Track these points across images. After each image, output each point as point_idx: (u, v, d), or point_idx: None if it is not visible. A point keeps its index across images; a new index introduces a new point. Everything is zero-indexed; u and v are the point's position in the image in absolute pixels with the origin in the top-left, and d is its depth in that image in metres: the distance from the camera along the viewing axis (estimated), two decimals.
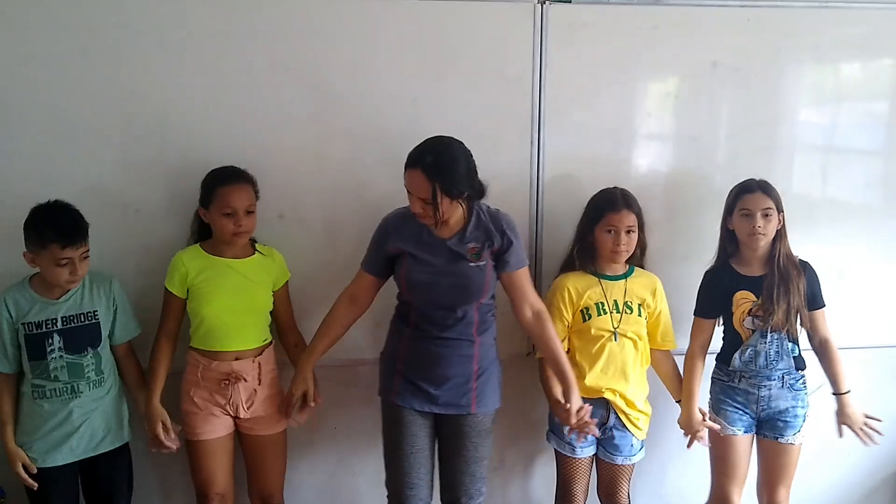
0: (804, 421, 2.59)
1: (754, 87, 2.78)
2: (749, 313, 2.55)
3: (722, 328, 2.65)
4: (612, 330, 2.53)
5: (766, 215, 2.51)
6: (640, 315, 2.56)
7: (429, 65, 2.62)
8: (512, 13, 2.64)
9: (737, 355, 2.57)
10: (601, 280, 2.56)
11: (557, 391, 2.41)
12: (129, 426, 2.47)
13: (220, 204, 2.36)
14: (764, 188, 2.54)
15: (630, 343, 2.55)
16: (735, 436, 2.58)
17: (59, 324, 2.31)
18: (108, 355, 2.41)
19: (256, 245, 2.51)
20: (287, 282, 2.54)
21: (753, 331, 2.55)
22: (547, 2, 2.64)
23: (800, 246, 2.78)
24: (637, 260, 2.62)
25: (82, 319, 2.34)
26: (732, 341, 2.60)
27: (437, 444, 2.44)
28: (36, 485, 2.32)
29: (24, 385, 2.35)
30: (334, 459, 2.91)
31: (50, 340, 2.30)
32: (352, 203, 2.64)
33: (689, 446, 2.59)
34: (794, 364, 2.57)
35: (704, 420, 2.56)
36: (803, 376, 2.61)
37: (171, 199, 2.56)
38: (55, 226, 2.23)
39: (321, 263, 2.66)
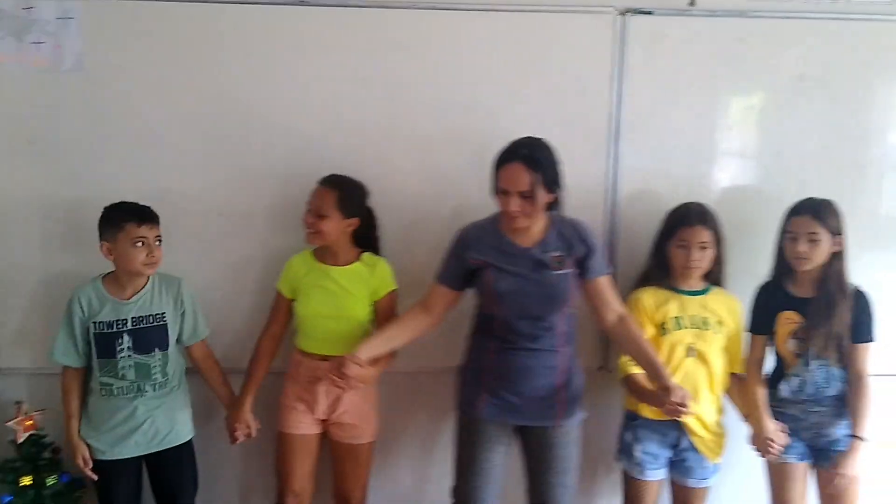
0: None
1: (842, 102, 2.70)
2: (793, 335, 2.47)
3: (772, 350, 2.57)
4: (689, 345, 2.47)
5: (812, 240, 2.41)
6: (717, 333, 2.49)
7: (508, 75, 2.62)
8: (592, 24, 2.62)
9: (784, 385, 2.49)
10: (678, 294, 2.50)
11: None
12: (193, 424, 2.54)
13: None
14: (814, 211, 2.42)
15: (706, 362, 2.48)
16: (787, 463, 2.49)
17: (129, 324, 2.38)
18: (175, 357, 2.46)
19: (364, 254, 2.53)
20: (391, 293, 2.52)
21: (798, 355, 2.47)
22: (628, 13, 2.61)
23: (884, 267, 2.69)
24: (715, 277, 2.55)
25: (151, 321, 2.41)
26: (778, 366, 2.53)
27: (523, 456, 2.42)
28: (96, 476, 2.40)
29: (92, 381, 2.44)
30: (408, 467, 2.93)
31: (120, 340, 2.37)
32: (437, 210, 2.65)
33: (764, 456, 2.49)
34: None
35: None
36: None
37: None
38: (129, 207, 2.35)
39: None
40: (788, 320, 2.48)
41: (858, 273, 2.54)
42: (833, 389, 2.48)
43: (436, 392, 2.74)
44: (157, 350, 2.41)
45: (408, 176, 2.65)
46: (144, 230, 2.33)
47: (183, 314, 2.47)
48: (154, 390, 2.41)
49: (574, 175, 2.58)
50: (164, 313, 2.42)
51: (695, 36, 2.64)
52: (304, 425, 2.51)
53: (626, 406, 2.58)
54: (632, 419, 2.53)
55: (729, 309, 2.52)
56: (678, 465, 2.52)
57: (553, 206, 2.30)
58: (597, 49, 2.63)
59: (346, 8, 2.57)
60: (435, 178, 2.65)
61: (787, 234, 2.46)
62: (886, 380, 2.64)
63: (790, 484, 2.50)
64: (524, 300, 2.27)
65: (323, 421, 2.52)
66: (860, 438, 2.43)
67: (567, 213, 2.39)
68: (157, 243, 2.37)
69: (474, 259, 2.31)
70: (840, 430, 2.48)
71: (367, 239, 2.54)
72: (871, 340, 2.47)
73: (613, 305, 2.36)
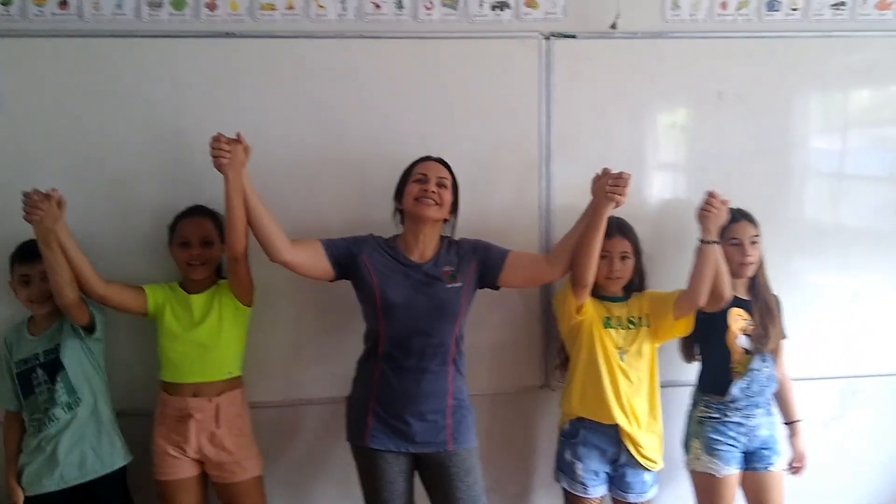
0: (779, 444, 2.62)
1: (761, 117, 2.80)
2: (744, 332, 2.55)
3: (703, 358, 2.63)
4: (620, 347, 2.50)
5: (754, 243, 2.54)
6: (646, 326, 2.53)
7: (437, 102, 2.65)
8: (518, 49, 2.68)
9: (735, 383, 2.53)
10: (603, 301, 2.54)
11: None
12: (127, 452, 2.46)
13: None
14: (749, 217, 2.57)
15: (640, 361, 2.51)
16: (732, 475, 2.55)
17: (41, 358, 2.39)
18: (80, 371, 2.39)
19: (220, 280, 2.50)
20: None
21: (748, 352, 2.54)
22: (552, 37, 2.67)
23: (811, 272, 2.80)
24: (636, 287, 2.60)
25: (56, 351, 2.37)
26: (721, 365, 2.56)
27: (427, 491, 2.39)
28: None
29: (26, 422, 2.43)
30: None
31: (35, 375, 2.38)
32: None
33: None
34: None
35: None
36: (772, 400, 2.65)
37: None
38: (20, 246, 2.38)
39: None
40: (740, 317, 2.56)
41: (784, 278, 2.67)
42: (770, 389, 2.57)
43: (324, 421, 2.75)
44: (61, 374, 2.37)
45: (337, 202, 2.65)
46: (26, 268, 2.34)
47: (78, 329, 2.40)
48: (66, 411, 2.36)
49: (508, 195, 2.68)
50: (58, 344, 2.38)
51: (618, 57, 2.71)
52: (178, 469, 2.41)
53: (561, 424, 2.59)
54: (570, 437, 2.54)
55: (645, 299, 2.56)
56: (617, 481, 2.54)
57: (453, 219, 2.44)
58: (524, 73, 2.68)
59: (273, 39, 2.58)
60: (365, 204, 2.63)
61: (731, 241, 2.53)
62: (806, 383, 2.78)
63: (730, 495, 2.56)
64: (414, 313, 2.28)
65: (200, 463, 2.43)
66: (799, 420, 2.67)
67: (501, 232, 2.50)
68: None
69: (366, 258, 2.32)
70: (767, 429, 2.58)
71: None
72: (785, 338, 2.65)
73: (537, 257, 2.51)
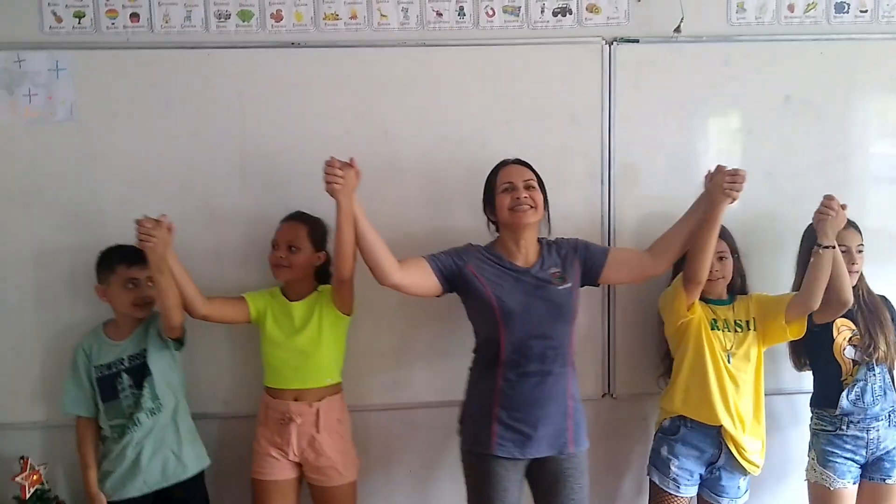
0: None
1: (828, 121, 2.74)
2: (850, 342, 2.51)
3: (813, 371, 2.60)
4: (727, 350, 2.48)
5: (860, 251, 2.52)
6: (754, 330, 2.50)
7: (499, 108, 2.65)
8: (580, 54, 2.66)
9: (844, 395, 2.49)
10: (708, 304, 2.52)
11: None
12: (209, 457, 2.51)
13: None
14: (855, 225, 2.52)
15: (747, 365, 2.49)
16: (845, 489, 2.50)
17: (126, 363, 2.42)
18: (164, 378, 2.42)
19: (321, 286, 2.51)
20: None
21: (856, 363, 2.50)
22: (615, 42, 2.66)
23: (878, 280, 2.72)
24: (739, 289, 2.59)
25: (142, 357, 2.41)
26: (832, 377, 2.53)
27: (533, 492, 2.38)
28: None
29: (103, 428, 2.46)
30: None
31: (120, 380, 2.41)
32: (433, 244, 2.58)
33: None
34: None
35: None
36: None
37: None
38: (121, 250, 2.40)
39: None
40: (845, 327, 2.52)
41: None
42: (888, 399, 2.50)
43: (432, 427, 2.76)
44: (147, 380, 2.40)
45: (400, 210, 2.65)
46: (135, 272, 2.35)
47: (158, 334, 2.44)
48: (149, 417, 2.39)
49: (571, 202, 2.66)
50: (146, 349, 2.42)
51: (681, 61, 2.69)
52: (277, 470, 2.44)
53: (660, 420, 2.58)
54: (669, 433, 2.52)
55: (758, 300, 2.54)
56: (711, 483, 2.52)
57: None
58: (586, 78, 2.66)
59: (335, 49, 2.60)
60: (429, 212, 2.65)
61: (840, 248, 2.43)
62: None
63: None
64: (532, 318, 2.28)
65: (299, 465, 2.46)
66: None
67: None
68: (151, 284, 2.36)
69: (473, 268, 2.32)
70: (893, 441, 2.51)
71: (327, 275, 2.52)
72: None
73: (640, 253, 2.45)
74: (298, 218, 2.47)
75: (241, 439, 2.56)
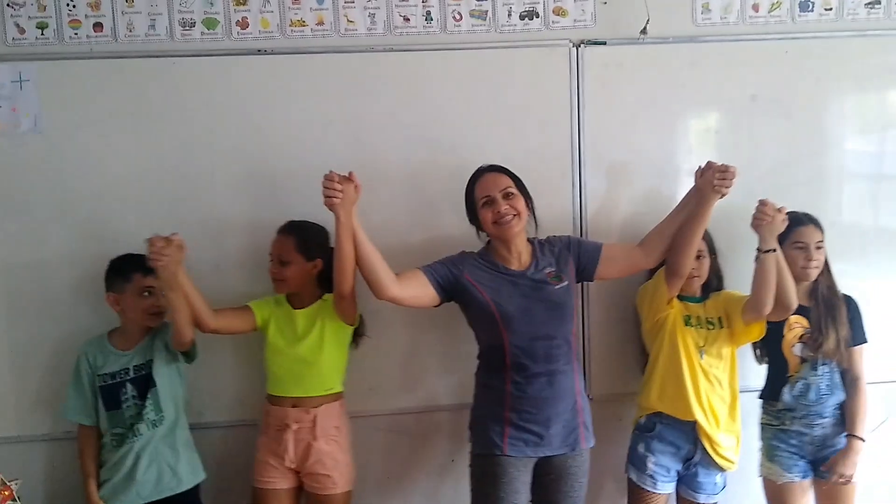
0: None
1: (796, 119, 2.76)
2: (800, 339, 2.51)
3: (766, 362, 2.61)
4: (700, 346, 2.49)
5: (819, 248, 2.51)
6: (726, 328, 2.52)
7: (468, 113, 2.65)
8: (548, 57, 2.67)
9: (786, 389, 2.52)
10: (682, 300, 2.53)
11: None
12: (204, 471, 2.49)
13: None
14: (815, 221, 2.54)
15: (719, 362, 2.51)
16: (793, 483, 2.51)
17: (131, 373, 2.40)
18: (167, 390, 2.41)
19: (326, 294, 2.49)
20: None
21: (804, 360, 2.51)
22: (582, 44, 2.66)
23: (851, 277, 2.73)
24: (714, 287, 2.61)
25: (148, 367, 2.40)
26: (779, 373, 2.55)
27: (534, 489, 2.37)
28: None
29: (104, 437, 2.45)
30: None
31: (124, 390, 2.40)
32: (405, 245, 2.63)
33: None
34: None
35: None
36: None
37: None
38: (137, 258, 2.34)
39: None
40: (797, 323, 2.53)
41: None
42: (835, 398, 2.51)
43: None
44: (152, 392, 2.39)
45: (375, 214, 2.59)
46: (151, 280, 2.34)
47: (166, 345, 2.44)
48: (149, 428, 2.38)
49: (543, 204, 2.63)
50: (151, 360, 2.41)
51: (649, 62, 2.70)
52: (275, 479, 2.44)
53: (637, 418, 2.59)
54: (645, 430, 2.53)
55: (726, 298, 2.56)
56: (688, 480, 2.53)
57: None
58: (555, 81, 2.67)
59: (302, 55, 2.60)
60: (401, 214, 2.65)
61: (796, 245, 2.49)
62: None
63: (787, 500, 2.52)
64: (533, 319, 2.29)
65: (297, 472, 2.45)
66: (859, 438, 2.48)
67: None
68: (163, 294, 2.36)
69: (469, 276, 2.32)
70: (842, 439, 2.51)
71: (331, 281, 2.49)
72: (864, 342, 2.56)
73: (631, 248, 2.47)
74: (286, 230, 2.46)
75: (245, 448, 2.55)
